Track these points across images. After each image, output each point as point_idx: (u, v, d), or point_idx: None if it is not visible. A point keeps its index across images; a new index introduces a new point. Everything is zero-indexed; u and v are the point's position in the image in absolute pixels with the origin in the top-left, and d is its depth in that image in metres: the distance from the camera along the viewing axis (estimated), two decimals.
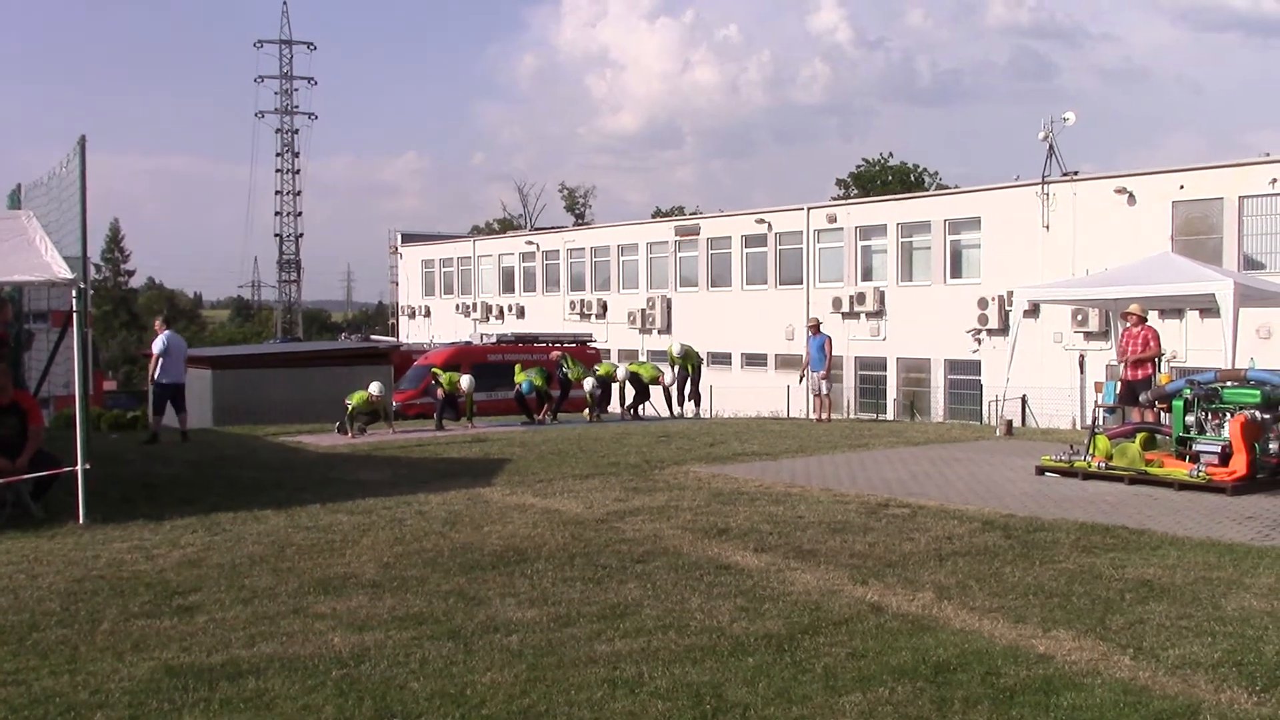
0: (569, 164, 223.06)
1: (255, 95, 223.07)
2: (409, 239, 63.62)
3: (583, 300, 48.38)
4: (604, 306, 47.32)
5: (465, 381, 21.10)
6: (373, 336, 58.33)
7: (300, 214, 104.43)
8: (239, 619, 6.81)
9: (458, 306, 56.92)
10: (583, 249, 49.83)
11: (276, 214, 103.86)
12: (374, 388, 19.42)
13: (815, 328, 23.06)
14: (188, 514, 10.66)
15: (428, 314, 59.68)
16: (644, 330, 44.98)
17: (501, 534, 9.53)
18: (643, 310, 44.92)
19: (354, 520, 10.32)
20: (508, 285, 54.38)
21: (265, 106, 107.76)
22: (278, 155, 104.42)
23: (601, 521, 10.10)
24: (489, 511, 10.76)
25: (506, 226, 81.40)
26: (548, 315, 49.39)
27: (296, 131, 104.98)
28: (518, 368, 22.64)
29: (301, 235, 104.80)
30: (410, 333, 59.00)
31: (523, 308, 52.37)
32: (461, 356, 31.03)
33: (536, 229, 64.80)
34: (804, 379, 23.65)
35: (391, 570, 8.14)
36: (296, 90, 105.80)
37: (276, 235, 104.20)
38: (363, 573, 8.08)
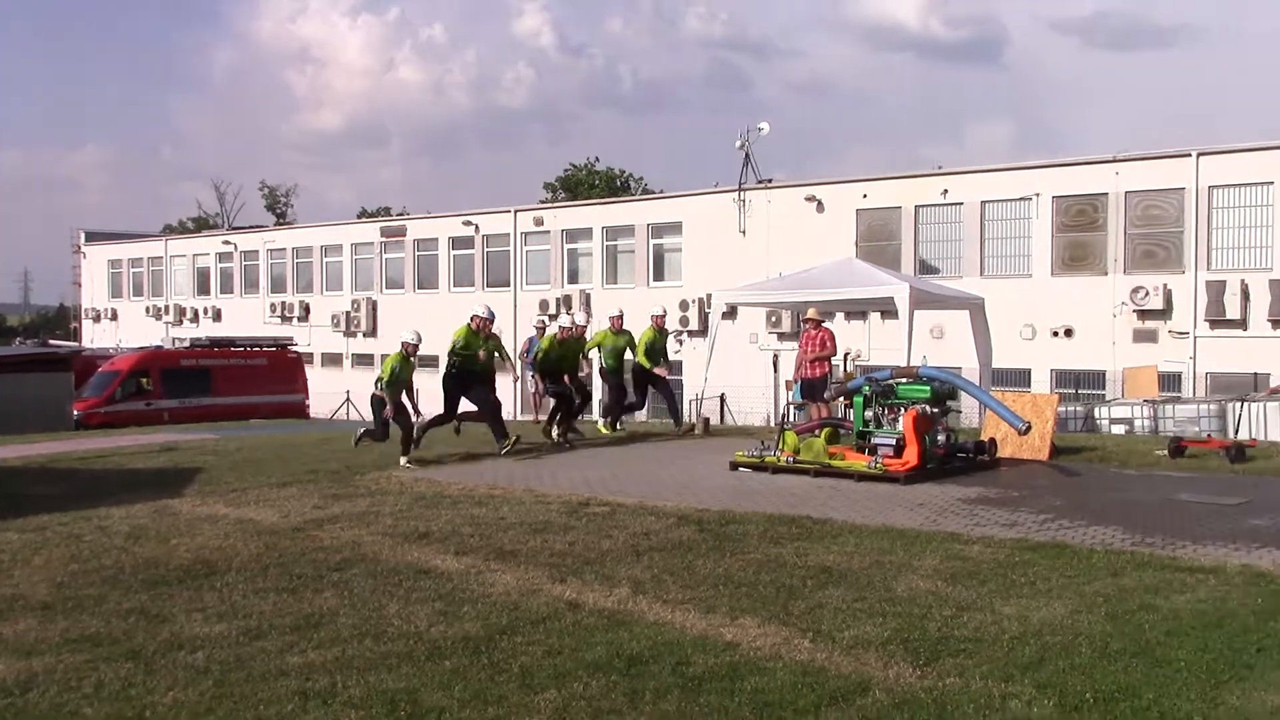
0: (269, 161, 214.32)
1: None
2: (94, 237, 59.54)
3: (284, 303, 46.75)
4: (307, 309, 45.90)
5: None
6: (52, 341, 54.39)
7: None
8: None
9: (148, 309, 53.84)
10: (284, 249, 48.16)
11: None
12: None
13: (541, 330, 23.13)
14: None
15: (115, 317, 56.13)
16: (348, 333, 43.97)
17: (190, 546, 9.12)
18: (347, 313, 43.86)
19: (25, 538, 9.64)
20: (203, 287, 51.88)
21: None
22: None
23: (298, 530, 9.83)
24: (177, 524, 10.27)
25: (202, 225, 77.69)
26: (247, 318, 47.41)
27: None
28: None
29: None
30: (95, 337, 55.44)
31: (219, 310, 50.11)
32: (152, 361, 29.47)
33: (234, 228, 62.18)
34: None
35: (66, 590, 7.66)
36: None
37: None
38: (33, 594, 7.56)
